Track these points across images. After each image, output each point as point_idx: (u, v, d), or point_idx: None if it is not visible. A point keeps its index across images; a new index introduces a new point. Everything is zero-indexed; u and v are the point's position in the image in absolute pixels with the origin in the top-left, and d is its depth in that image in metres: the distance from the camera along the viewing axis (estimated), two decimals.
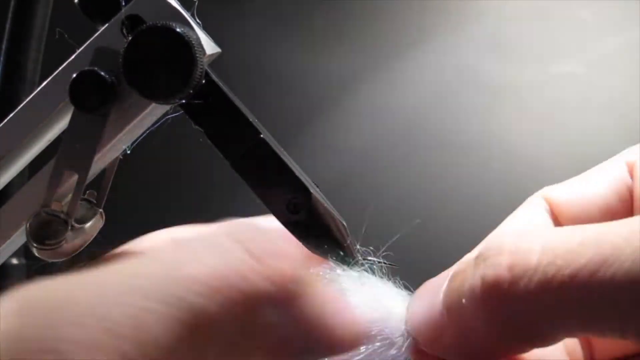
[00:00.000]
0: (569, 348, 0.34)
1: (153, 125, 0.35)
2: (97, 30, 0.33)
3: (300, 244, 0.33)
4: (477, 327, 0.27)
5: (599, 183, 0.34)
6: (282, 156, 0.34)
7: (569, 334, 0.27)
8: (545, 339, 0.27)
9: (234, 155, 0.34)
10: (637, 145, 0.35)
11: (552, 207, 0.35)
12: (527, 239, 0.27)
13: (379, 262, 0.36)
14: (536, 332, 0.27)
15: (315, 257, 0.35)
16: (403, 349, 0.32)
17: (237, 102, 0.34)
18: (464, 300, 0.27)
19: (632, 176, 0.34)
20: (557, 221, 0.34)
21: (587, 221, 0.28)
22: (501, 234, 0.34)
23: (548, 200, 0.35)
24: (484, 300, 0.27)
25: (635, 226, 0.25)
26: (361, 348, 0.32)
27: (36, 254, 0.33)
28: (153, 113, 0.34)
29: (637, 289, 0.23)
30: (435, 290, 0.30)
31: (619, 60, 0.93)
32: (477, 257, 0.28)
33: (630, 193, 0.34)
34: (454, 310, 0.28)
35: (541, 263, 0.26)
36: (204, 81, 0.32)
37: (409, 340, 0.32)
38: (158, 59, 0.31)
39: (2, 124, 0.34)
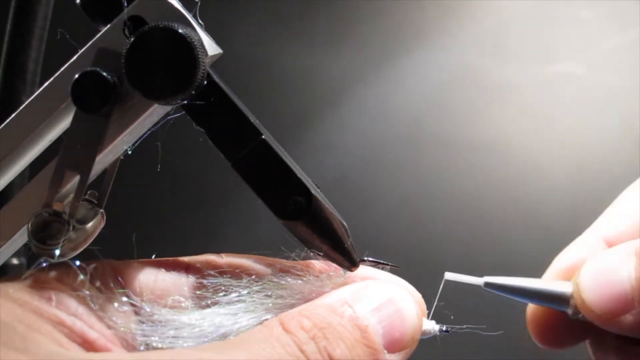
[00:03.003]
0: None
1: (154, 125, 0.35)
2: (99, 31, 0.33)
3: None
4: None
5: None
6: (283, 157, 0.34)
7: None
8: None
9: (235, 156, 0.34)
10: None
11: None
12: None
13: (380, 263, 0.37)
14: None
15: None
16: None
17: (239, 103, 0.34)
18: None
19: None
20: None
21: None
22: None
23: None
24: None
25: None
26: None
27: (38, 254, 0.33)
28: (155, 114, 0.34)
29: None
30: (615, 269, 0.31)
31: (619, 60, 0.93)
32: None
33: None
34: None
35: None
36: (205, 82, 0.32)
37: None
38: (160, 60, 0.31)
39: (3, 125, 0.34)
